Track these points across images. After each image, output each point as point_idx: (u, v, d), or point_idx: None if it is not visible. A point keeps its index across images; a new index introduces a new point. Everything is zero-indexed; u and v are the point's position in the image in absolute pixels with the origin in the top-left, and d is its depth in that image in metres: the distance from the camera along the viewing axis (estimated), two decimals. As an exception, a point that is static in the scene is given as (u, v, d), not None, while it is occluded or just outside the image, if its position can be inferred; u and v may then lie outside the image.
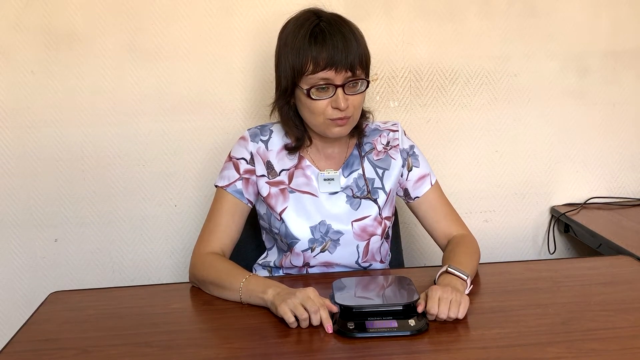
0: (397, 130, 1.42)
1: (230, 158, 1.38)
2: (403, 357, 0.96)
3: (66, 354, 1.00)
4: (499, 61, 1.83)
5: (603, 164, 1.92)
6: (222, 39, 1.74)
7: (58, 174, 1.76)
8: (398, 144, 1.40)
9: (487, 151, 1.88)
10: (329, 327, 1.04)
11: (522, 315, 1.08)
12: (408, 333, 1.01)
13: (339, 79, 1.24)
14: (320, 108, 1.26)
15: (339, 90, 1.24)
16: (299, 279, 1.33)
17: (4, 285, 1.80)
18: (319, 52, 1.22)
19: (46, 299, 1.23)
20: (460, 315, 1.05)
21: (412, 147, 1.43)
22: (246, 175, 1.35)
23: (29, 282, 1.80)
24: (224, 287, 1.21)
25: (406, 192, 1.42)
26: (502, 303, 1.14)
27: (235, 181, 1.35)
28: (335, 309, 1.08)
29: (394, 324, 1.02)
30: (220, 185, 1.36)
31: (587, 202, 1.90)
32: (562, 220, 1.85)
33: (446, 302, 1.06)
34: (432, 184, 1.41)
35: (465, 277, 1.17)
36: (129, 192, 1.79)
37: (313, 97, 1.25)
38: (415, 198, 1.41)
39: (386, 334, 1.00)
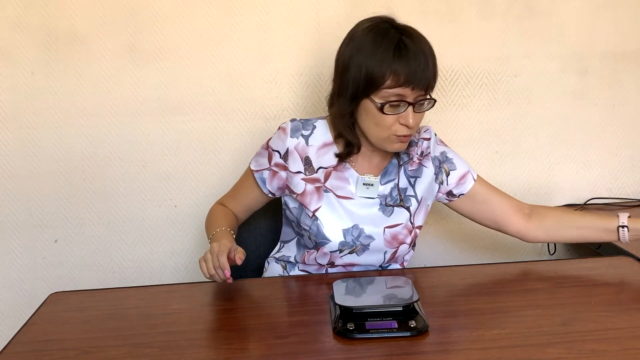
0: (430, 138, 1.41)
1: (267, 146, 1.38)
2: (403, 357, 0.96)
3: (66, 355, 1.00)
4: (499, 62, 1.83)
5: (603, 164, 1.92)
6: (222, 40, 1.74)
7: (58, 175, 1.76)
8: (430, 153, 1.40)
9: (487, 152, 1.88)
10: (226, 272, 1.16)
11: (522, 315, 1.08)
12: (408, 334, 1.01)
13: (412, 96, 1.22)
14: (388, 123, 1.24)
15: (410, 108, 1.23)
16: (296, 279, 1.33)
17: (4, 285, 1.80)
18: (401, 67, 1.20)
19: (46, 299, 1.23)
20: None
21: (443, 153, 1.42)
22: (275, 168, 1.36)
23: (29, 282, 1.80)
24: (207, 233, 1.37)
25: (449, 193, 1.42)
26: (502, 303, 1.14)
27: (263, 169, 1.38)
28: (239, 262, 1.19)
29: (394, 324, 1.02)
30: (251, 167, 1.41)
31: (588, 202, 1.90)
32: (562, 221, 1.84)
33: None
34: (475, 179, 1.41)
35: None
36: (129, 192, 1.79)
37: (386, 112, 1.23)
38: (460, 195, 1.41)
39: (386, 335, 1.00)
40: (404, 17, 1.77)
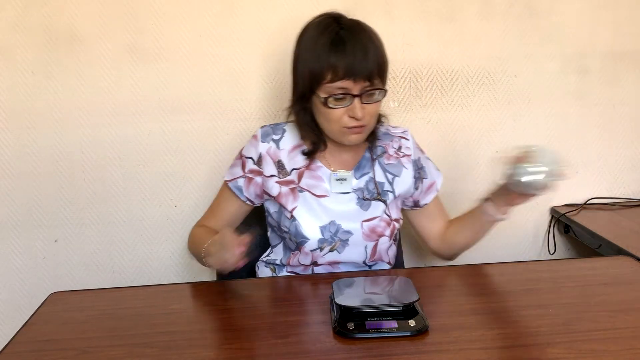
0: (409, 139, 1.43)
1: (240, 155, 1.40)
2: (403, 357, 0.96)
3: (66, 355, 1.00)
4: (499, 62, 1.83)
5: (603, 164, 1.92)
6: (222, 40, 1.74)
7: (58, 175, 1.76)
8: (410, 154, 1.41)
9: (487, 151, 1.88)
10: (239, 249, 1.12)
11: (523, 315, 1.08)
12: (408, 333, 1.01)
13: (356, 88, 1.23)
14: (336, 116, 1.25)
15: (356, 100, 1.23)
16: (306, 279, 1.33)
17: (4, 285, 1.80)
18: (338, 61, 1.21)
19: (46, 299, 1.23)
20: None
21: (419, 159, 1.44)
22: (250, 175, 1.37)
23: (29, 282, 1.80)
24: (198, 255, 1.32)
25: (416, 203, 1.44)
26: (502, 304, 1.14)
27: (237, 178, 1.38)
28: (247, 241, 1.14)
29: (394, 324, 1.02)
30: (225, 179, 1.40)
31: (587, 202, 1.90)
32: (562, 221, 1.84)
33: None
34: (438, 189, 1.45)
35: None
36: (129, 192, 1.79)
37: (330, 106, 1.24)
38: (424, 205, 1.44)
39: (386, 335, 1.00)
40: (404, 17, 1.79)
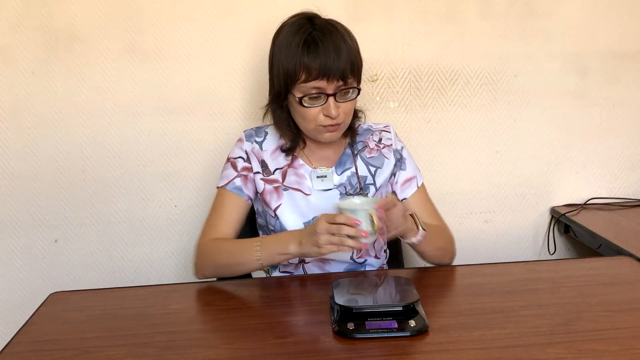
0: (390, 132, 1.45)
1: (228, 159, 1.41)
2: (403, 357, 0.96)
3: (66, 355, 1.00)
4: (499, 62, 1.83)
5: (603, 164, 1.92)
6: (222, 40, 1.74)
7: (58, 175, 1.76)
8: (391, 144, 1.43)
9: (487, 152, 1.88)
10: (363, 233, 1.12)
11: (523, 315, 1.07)
12: (408, 334, 1.00)
13: (330, 87, 1.26)
14: (312, 115, 1.28)
15: (330, 99, 1.26)
16: (306, 279, 1.33)
17: (4, 285, 1.80)
18: (311, 61, 1.24)
19: (46, 299, 1.23)
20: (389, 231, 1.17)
21: (401, 149, 1.45)
22: (244, 172, 1.38)
23: (29, 282, 1.80)
24: (240, 262, 1.27)
25: (394, 194, 1.44)
26: (502, 303, 1.14)
27: (233, 179, 1.38)
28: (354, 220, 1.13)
29: (394, 324, 1.02)
30: (220, 185, 1.39)
31: (587, 202, 1.90)
32: (562, 221, 1.85)
33: (399, 214, 1.16)
34: (419, 185, 1.44)
35: (422, 229, 1.25)
36: (129, 192, 1.79)
37: (305, 105, 1.27)
38: (402, 200, 1.43)
39: (386, 335, 1.00)
40: (404, 17, 1.78)
